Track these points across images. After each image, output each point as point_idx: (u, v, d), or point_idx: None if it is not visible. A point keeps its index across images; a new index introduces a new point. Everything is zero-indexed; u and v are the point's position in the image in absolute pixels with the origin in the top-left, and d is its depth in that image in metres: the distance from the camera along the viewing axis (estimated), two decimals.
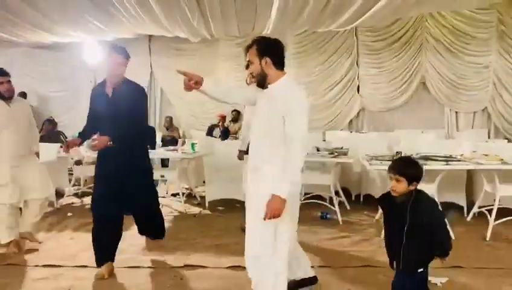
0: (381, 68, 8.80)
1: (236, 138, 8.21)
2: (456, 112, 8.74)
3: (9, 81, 3.87)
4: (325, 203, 5.22)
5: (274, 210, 2.36)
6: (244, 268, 3.36)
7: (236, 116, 9.03)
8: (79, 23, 6.75)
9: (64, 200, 5.99)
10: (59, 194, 5.97)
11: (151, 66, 9.54)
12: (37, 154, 4.22)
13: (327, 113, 9.02)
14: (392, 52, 8.70)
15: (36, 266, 3.60)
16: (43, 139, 6.81)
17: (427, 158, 4.37)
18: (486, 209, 4.48)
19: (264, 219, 2.39)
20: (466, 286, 3.09)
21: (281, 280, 2.52)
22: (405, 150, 4.83)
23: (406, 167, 2.37)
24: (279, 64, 2.51)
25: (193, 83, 2.57)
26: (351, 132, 8.54)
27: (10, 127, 3.85)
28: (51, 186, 4.32)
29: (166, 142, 8.05)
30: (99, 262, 3.38)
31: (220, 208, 5.50)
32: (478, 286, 3.09)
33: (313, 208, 5.19)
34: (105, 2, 5.70)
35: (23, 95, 8.80)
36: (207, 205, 5.57)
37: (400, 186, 2.32)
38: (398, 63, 8.71)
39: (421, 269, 2.34)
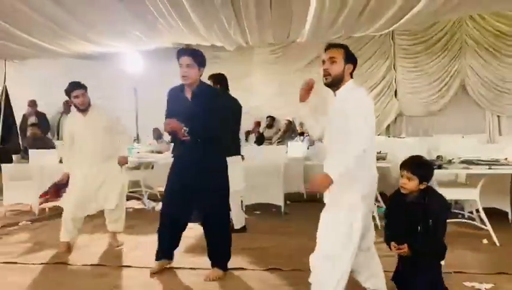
0: (420, 72, 8.67)
1: (271, 144, 8.28)
2: (498, 116, 8.47)
3: (83, 94, 4.08)
4: None
5: (317, 183, 2.41)
6: (280, 270, 3.45)
7: (271, 122, 9.11)
8: (121, 34, 7.02)
9: (159, 205, 6.19)
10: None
11: None
12: (124, 159, 4.30)
13: None
14: (431, 55, 8.56)
15: (85, 265, 3.77)
16: None
17: (469, 162, 4.28)
18: None
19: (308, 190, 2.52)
20: None
21: (344, 279, 2.50)
22: (445, 154, 4.74)
23: (420, 166, 2.42)
24: (352, 73, 2.64)
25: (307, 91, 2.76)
26: (389, 136, 8.42)
27: (86, 136, 4.08)
28: (117, 198, 4.29)
29: None
30: (156, 257, 3.51)
31: (257, 212, 5.55)
32: None
33: None
34: (146, 14, 5.91)
35: (68, 104, 9.23)
36: (244, 209, 5.63)
37: (411, 184, 2.38)
38: (436, 66, 8.56)
39: (434, 266, 2.44)
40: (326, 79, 2.61)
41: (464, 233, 4.37)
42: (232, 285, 3.27)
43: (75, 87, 4.08)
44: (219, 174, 3.43)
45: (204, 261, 3.57)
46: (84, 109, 4.12)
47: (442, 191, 4.17)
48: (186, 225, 3.55)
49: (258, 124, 8.79)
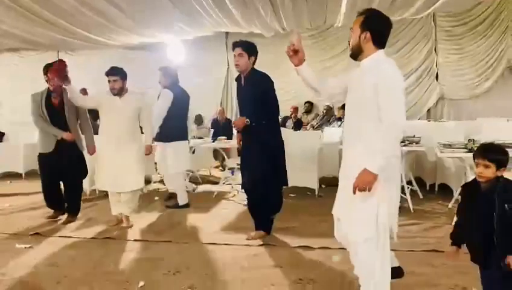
0: (463, 54, 8.41)
1: (307, 129, 8.38)
2: None
3: (115, 80, 4.36)
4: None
5: (361, 182, 2.30)
6: (310, 248, 3.63)
7: (309, 107, 9.19)
8: (166, 26, 7.36)
9: (151, 186, 6.61)
10: (147, 181, 6.60)
11: (228, 62, 9.98)
12: (148, 148, 4.60)
13: (404, 101, 8.80)
14: (474, 37, 8.27)
15: (128, 240, 4.13)
16: None
17: (508, 146, 4.21)
18: None
19: (354, 192, 2.33)
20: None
21: (387, 262, 2.44)
22: (485, 138, 4.67)
23: (495, 151, 2.25)
24: (379, 42, 2.39)
25: (292, 51, 2.64)
26: (429, 120, 8.29)
27: (112, 118, 4.39)
28: (139, 181, 4.58)
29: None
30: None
31: (292, 195, 5.72)
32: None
33: None
34: (190, 8, 6.19)
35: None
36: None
37: (488, 172, 2.20)
38: (481, 47, 8.26)
39: None
40: (349, 51, 2.51)
41: None
42: (263, 259, 3.49)
43: (109, 72, 4.40)
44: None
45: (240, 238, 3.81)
46: (114, 93, 4.39)
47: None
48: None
49: (295, 109, 8.90)
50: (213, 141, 6.59)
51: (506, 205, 2.12)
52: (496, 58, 8.19)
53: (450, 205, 4.83)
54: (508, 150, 4.05)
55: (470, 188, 2.32)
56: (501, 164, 2.21)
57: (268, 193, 3.91)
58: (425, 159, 5.81)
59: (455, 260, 2.37)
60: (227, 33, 9.48)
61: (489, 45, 8.19)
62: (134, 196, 4.58)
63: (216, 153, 8.15)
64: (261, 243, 3.85)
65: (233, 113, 10.10)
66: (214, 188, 6.26)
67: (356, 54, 2.45)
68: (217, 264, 3.41)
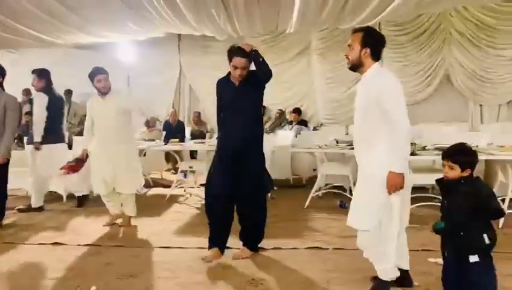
0: (406, 62, 8.86)
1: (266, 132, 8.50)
2: (481, 105, 8.75)
3: (105, 79, 4.36)
4: (344, 193, 5.45)
5: (392, 185, 2.56)
6: (260, 248, 3.72)
7: (262, 111, 9.32)
8: (116, 25, 7.22)
9: None
10: None
11: (180, 64, 9.94)
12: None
13: (351, 107, 9.08)
14: (417, 46, 8.75)
15: (79, 245, 4.02)
16: (81, 133, 7.34)
17: (441, 149, 4.54)
18: (501, 199, 4.60)
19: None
20: None
21: (392, 250, 2.69)
22: (425, 142, 5.00)
23: (459, 153, 2.35)
24: (377, 56, 2.70)
25: None
26: None
27: (101, 119, 4.41)
28: (136, 183, 4.68)
29: (195, 136, 8.47)
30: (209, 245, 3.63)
31: None
32: None
33: (333, 198, 5.45)
34: (140, 6, 6.11)
35: (69, 92, 9.38)
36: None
37: (452, 173, 2.32)
38: (422, 56, 8.76)
39: (476, 259, 2.27)
40: (347, 64, 2.77)
41: (438, 216, 4.62)
42: (217, 261, 3.53)
43: (98, 72, 4.36)
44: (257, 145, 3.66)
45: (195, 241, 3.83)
46: (105, 92, 4.39)
47: (419, 176, 4.51)
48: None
49: None
50: (165, 144, 6.55)
51: (445, 201, 2.33)
52: (435, 67, 8.72)
53: None
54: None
55: (442, 183, 2.45)
56: (465, 166, 2.29)
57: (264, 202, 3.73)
58: None
59: None
60: (179, 35, 9.44)
61: (430, 54, 8.70)
62: (131, 196, 4.62)
63: (168, 156, 8.09)
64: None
65: (185, 115, 10.06)
66: (166, 191, 6.21)
67: (356, 67, 2.73)
68: (170, 268, 3.41)
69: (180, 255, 3.72)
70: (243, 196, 3.52)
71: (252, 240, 3.67)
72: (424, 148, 4.69)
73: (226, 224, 3.60)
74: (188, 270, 3.35)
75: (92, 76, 4.36)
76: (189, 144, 6.78)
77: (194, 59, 9.75)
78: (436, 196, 5.22)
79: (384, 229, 2.68)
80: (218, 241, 3.61)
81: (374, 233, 2.69)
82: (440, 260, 3.31)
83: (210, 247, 3.59)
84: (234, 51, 3.40)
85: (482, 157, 4.42)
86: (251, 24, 7.19)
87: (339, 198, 5.40)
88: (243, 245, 3.68)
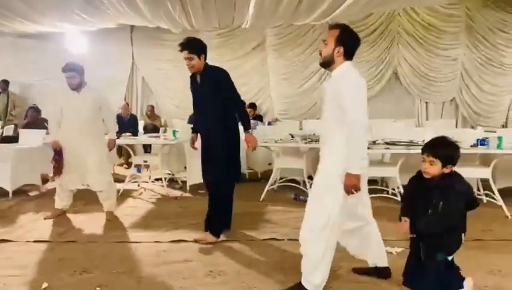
0: (356, 60, 9.06)
1: None
2: (426, 103, 9.22)
3: (72, 76, 4.29)
4: (299, 186, 5.58)
5: (348, 187, 2.50)
6: (216, 241, 3.74)
7: None
8: (65, 14, 6.94)
9: (50, 185, 6.21)
10: (44, 179, 6.21)
11: (133, 56, 9.70)
12: (112, 142, 4.73)
13: (304, 102, 9.37)
14: (367, 45, 9.05)
15: (28, 241, 3.87)
16: (28, 126, 7.02)
17: (390, 143, 4.78)
18: None
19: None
20: None
21: (329, 254, 2.65)
22: (376, 137, 5.21)
23: (441, 147, 2.17)
24: (349, 55, 2.64)
25: None
26: None
27: (72, 113, 4.36)
28: (105, 180, 4.60)
29: (148, 130, 8.31)
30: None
31: (201, 191, 5.79)
32: None
33: (287, 191, 5.56)
34: None
35: (5, 83, 8.92)
36: (188, 188, 5.88)
37: (433, 169, 2.15)
38: (372, 55, 9.09)
39: (442, 256, 2.21)
40: (319, 60, 2.72)
41: (388, 207, 4.86)
42: (174, 254, 3.52)
43: (65, 69, 4.32)
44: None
45: (149, 235, 3.79)
46: (73, 88, 4.35)
47: (369, 169, 4.68)
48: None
49: None
50: (117, 138, 6.36)
51: (441, 203, 2.10)
52: (385, 65, 9.08)
53: None
54: (391, 146, 4.66)
55: (416, 181, 2.33)
56: (448, 161, 2.11)
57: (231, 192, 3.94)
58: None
59: (405, 230, 2.32)
60: (132, 26, 9.22)
61: (378, 53, 9.05)
62: (111, 190, 4.70)
63: (120, 150, 7.90)
64: (170, 239, 3.88)
65: (138, 108, 9.84)
66: (119, 186, 6.07)
67: (327, 64, 2.68)
68: (126, 262, 3.36)
69: (135, 249, 3.67)
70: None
71: (212, 224, 3.85)
72: (374, 143, 4.89)
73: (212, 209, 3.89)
74: (144, 264, 3.32)
75: (62, 71, 4.34)
76: (143, 138, 6.67)
77: (147, 51, 9.54)
78: (385, 189, 5.47)
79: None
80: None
81: (317, 234, 2.62)
82: (395, 250, 3.52)
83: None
84: (180, 46, 3.69)
85: None
86: (207, 18, 7.17)
87: (293, 191, 5.52)
88: (205, 230, 3.88)
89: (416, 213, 2.23)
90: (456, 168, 2.26)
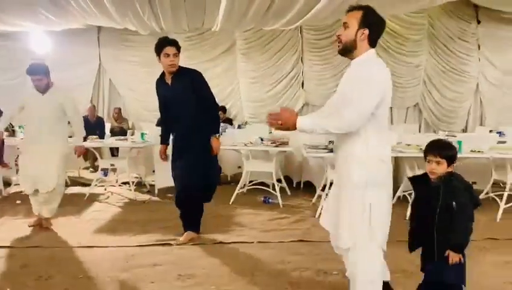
0: (325, 65, 9.34)
1: None
2: (391, 108, 9.47)
3: (39, 79, 4.15)
4: (268, 189, 5.63)
5: (284, 121, 2.18)
6: (184, 244, 3.73)
7: None
8: (29, 13, 6.74)
9: (12, 189, 6.01)
10: (6, 183, 6.00)
11: (99, 57, 9.52)
12: (80, 148, 4.60)
13: (274, 106, 9.42)
14: (335, 50, 9.01)
15: None
16: None
17: None
18: (408, 193, 5.07)
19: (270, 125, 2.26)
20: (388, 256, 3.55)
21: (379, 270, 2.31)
22: None
23: (446, 148, 2.25)
24: (374, 40, 2.27)
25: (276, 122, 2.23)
26: None
27: (34, 114, 4.22)
28: (54, 180, 4.28)
29: (115, 133, 8.17)
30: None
31: (169, 195, 5.74)
32: (397, 254, 3.56)
33: (257, 194, 5.60)
34: None
35: None
36: (156, 192, 5.82)
37: (441, 168, 2.20)
38: (340, 60, 9.24)
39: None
40: (338, 46, 2.31)
41: None
42: (142, 259, 3.48)
43: (31, 72, 4.18)
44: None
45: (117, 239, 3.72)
46: (41, 91, 4.21)
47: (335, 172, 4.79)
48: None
49: None
50: (83, 141, 6.22)
51: (454, 203, 2.12)
52: None
53: (313, 200, 5.37)
54: None
55: (419, 181, 2.33)
56: (452, 160, 2.22)
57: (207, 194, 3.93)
58: (292, 158, 6.36)
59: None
60: (99, 27, 9.05)
61: (346, 59, 9.18)
62: (57, 194, 4.35)
63: (86, 154, 7.71)
64: (137, 243, 3.84)
65: (104, 111, 9.66)
66: (85, 190, 5.94)
67: (348, 50, 2.27)
68: (93, 267, 3.30)
69: (102, 254, 3.61)
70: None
71: (192, 220, 3.93)
72: None
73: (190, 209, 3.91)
74: (111, 269, 3.27)
75: (27, 74, 4.20)
76: (110, 141, 6.55)
77: (114, 53, 9.39)
78: None
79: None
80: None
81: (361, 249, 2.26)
82: None
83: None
84: (163, 42, 3.62)
85: (393, 154, 4.83)
86: (176, 20, 7.13)
87: (262, 194, 5.56)
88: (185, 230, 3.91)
89: (426, 213, 2.23)
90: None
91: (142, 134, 6.13)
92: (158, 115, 8.63)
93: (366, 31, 2.21)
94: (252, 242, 3.87)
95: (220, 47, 9.33)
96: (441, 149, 2.24)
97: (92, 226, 4.41)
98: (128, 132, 7.98)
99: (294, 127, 2.18)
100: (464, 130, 9.22)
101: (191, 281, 3.05)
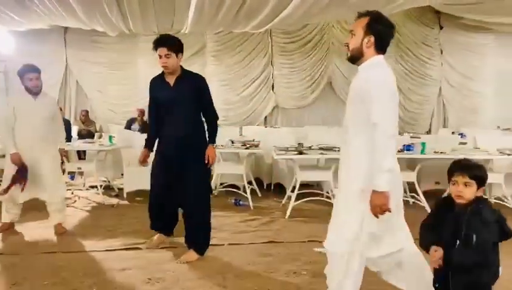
0: (293, 68, 9.48)
1: None
2: None
3: (37, 78, 4.00)
4: (239, 191, 5.66)
5: (375, 207, 2.11)
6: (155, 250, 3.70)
7: None
8: None
9: None
10: None
11: (66, 59, 9.31)
12: (62, 151, 4.48)
13: (244, 109, 9.51)
14: (303, 54, 9.41)
15: None
16: None
17: (325, 149, 5.00)
18: None
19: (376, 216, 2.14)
20: None
21: (348, 283, 2.29)
22: (311, 143, 5.42)
23: (476, 167, 1.96)
24: (381, 47, 2.26)
25: None
26: (266, 126, 9.11)
27: (30, 120, 4.01)
28: (60, 191, 4.30)
29: (82, 136, 8.01)
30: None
31: (138, 198, 5.69)
32: None
33: (228, 196, 5.62)
34: None
35: None
36: (125, 196, 5.74)
37: (469, 192, 1.92)
38: (308, 64, 9.44)
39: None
40: (347, 54, 2.33)
41: (322, 209, 5.08)
42: (110, 263, 3.44)
43: (30, 69, 4.01)
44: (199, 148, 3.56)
45: (84, 244, 3.66)
46: (37, 92, 4.04)
47: (304, 173, 4.88)
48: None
49: (142, 111, 8.79)
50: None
51: (474, 235, 1.87)
52: (319, 74, 9.46)
53: (283, 202, 5.43)
54: (327, 151, 4.87)
55: (444, 204, 2.08)
56: (483, 182, 1.95)
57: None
58: (263, 161, 6.41)
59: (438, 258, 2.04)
60: (66, 28, 8.85)
61: (314, 62, 9.42)
62: (64, 202, 4.42)
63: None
64: (106, 247, 3.79)
65: (71, 113, 9.44)
66: None
67: (356, 57, 2.29)
68: (59, 273, 3.23)
69: (69, 260, 3.54)
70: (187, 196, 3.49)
71: (197, 242, 3.58)
72: (310, 148, 5.08)
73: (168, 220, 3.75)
74: (79, 274, 3.21)
75: (21, 73, 4.00)
76: (77, 144, 6.42)
77: (82, 54, 9.20)
78: (320, 192, 5.67)
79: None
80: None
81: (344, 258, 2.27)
82: (323, 249, 3.67)
83: None
84: (156, 42, 3.39)
85: None
86: (145, 21, 7.07)
87: (233, 196, 5.58)
88: (189, 248, 3.59)
89: (446, 243, 1.99)
90: None
91: (110, 137, 6.05)
92: (126, 117, 8.66)
93: (372, 38, 2.23)
94: (223, 244, 3.89)
95: (190, 49, 9.27)
96: (471, 169, 1.95)
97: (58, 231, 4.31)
98: (96, 134, 7.83)
99: (384, 195, 2.10)
100: (428, 132, 9.54)
101: (160, 285, 3.04)
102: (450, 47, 9.57)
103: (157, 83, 3.53)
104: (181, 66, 3.49)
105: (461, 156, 4.87)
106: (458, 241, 1.91)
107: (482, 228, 1.86)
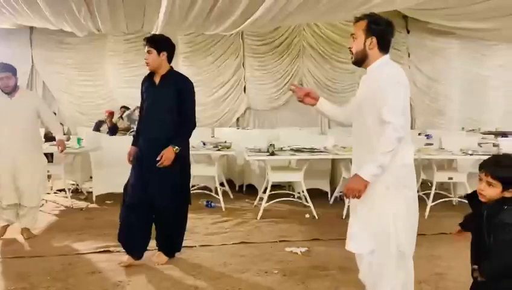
0: (265, 70, 9.57)
1: (125, 134, 8.26)
2: None
3: (8, 77, 3.86)
4: (211, 193, 5.65)
5: (352, 189, 2.14)
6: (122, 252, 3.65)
7: (125, 112, 9.04)
8: None
9: None
10: None
11: (32, 59, 9.07)
12: (61, 142, 4.30)
13: (216, 110, 9.51)
14: (275, 56, 9.51)
15: None
16: None
17: (296, 150, 5.06)
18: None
19: (344, 197, 2.21)
20: (320, 253, 3.72)
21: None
22: (283, 144, 5.47)
23: (504, 167, 1.81)
24: (385, 47, 2.30)
25: (304, 96, 2.50)
26: (238, 128, 9.14)
27: (7, 120, 3.86)
28: (39, 196, 4.22)
29: (49, 138, 7.80)
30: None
31: (108, 201, 5.60)
32: (332, 253, 3.72)
33: (200, 198, 5.60)
34: None
35: None
36: (94, 199, 5.64)
37: (491, 192, 1.80)
38: (279, 66, 9.55)
39: None
40: (351, 58, 2.37)
41: (294, 210, 5.15)
42: (80, 267, 3.38)
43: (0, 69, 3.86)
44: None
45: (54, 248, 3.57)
46: (8, 92, 3.89)
47: (276, 175, 4.93)
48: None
49: (111, 114, 8.65)
50: (67, 139, 5.94)
51: (491, 236, 1.78)
52: (291, 76, 9.58)
53: (255, 203, 5.46)
54: (297, 152, 4.94)
55: (473, 199, 1.96)
56: (509, 184, 1.78)
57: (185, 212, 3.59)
58: (235, 162, 6.43)
59: (459, 239, 2.14)
60: (32, 28, 8.62)
61: (286, 64, 9.55)
62: (36, 208, 4.25)
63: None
64: (75, 251, 3.72)
65: None
66: None
67: (360, 60, 2.32)
68: (27, 278, 3.15)
69: (37, 264, 3.45)
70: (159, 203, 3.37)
71: (168, 247, 3.54)
72: (281, 149, 5.13)
73: (142, 230, 3.44)
74: (47, 278, 3.15)
75: None
76: (44, 147, 6.23)
77: (48, 54, 8.98)
78: (291, 192, 5.73)
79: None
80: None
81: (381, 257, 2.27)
82: (299, 250, 3.73)
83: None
84: (144, 39, 3.47)
85: (329, 157, 5.05)
86: (115, 22, 6.98)
87: (205, 198, 5.57)
88: (159, 250, 3.53)
89: (472, 234, 1.97)
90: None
91: (78, 139, 5.93)
92: (95, 119, 8.50)
93: (374, 40, 2.26)
94: (194, 246, 3.89)
95: None
96: (496, 167, 1.80)
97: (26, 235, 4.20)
98: (64, 137, 7.65)
99: (365, 183, 2.14)
100: None
101: (130, 288, 3.01)
102: (417, 50, 9.88)
103: (146, 81, 3.51)
104: (171, 67, 3.46)
105: (425, 157, 5.06)
106: (480, 238, 1.86)
107: (499, 229, 1.76)
